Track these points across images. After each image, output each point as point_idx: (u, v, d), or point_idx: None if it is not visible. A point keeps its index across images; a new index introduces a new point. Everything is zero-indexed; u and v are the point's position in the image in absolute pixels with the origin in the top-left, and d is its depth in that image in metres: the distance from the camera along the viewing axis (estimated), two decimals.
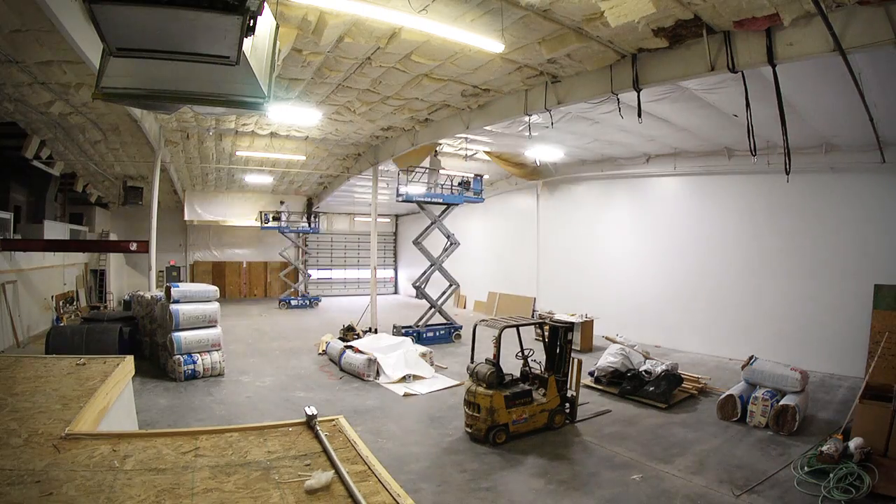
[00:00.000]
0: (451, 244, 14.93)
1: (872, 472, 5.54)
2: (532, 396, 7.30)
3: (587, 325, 13.46)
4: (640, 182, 14.80)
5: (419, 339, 13.36)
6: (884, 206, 10.08)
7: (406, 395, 9.28)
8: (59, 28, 4.91)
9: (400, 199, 14.26)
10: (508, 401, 7.00)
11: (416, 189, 14.50)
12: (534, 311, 17.73)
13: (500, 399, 6.92)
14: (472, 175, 15.30)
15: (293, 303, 23.05)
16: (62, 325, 13.87)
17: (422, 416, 8.18)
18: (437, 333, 14.32)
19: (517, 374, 7.70)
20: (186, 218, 21.77)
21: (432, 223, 14.80)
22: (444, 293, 15.01)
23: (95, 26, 2.35)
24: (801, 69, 6.66)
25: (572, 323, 8.27)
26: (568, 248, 17.25)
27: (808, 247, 11.13)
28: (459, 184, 15.00)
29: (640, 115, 7.38)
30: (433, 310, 14.60)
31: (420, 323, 14.33)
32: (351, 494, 2.16)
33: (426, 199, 14.44)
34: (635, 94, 7.15)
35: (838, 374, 10.12)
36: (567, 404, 7.66)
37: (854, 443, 5.95)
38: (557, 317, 13.25)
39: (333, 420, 3.04)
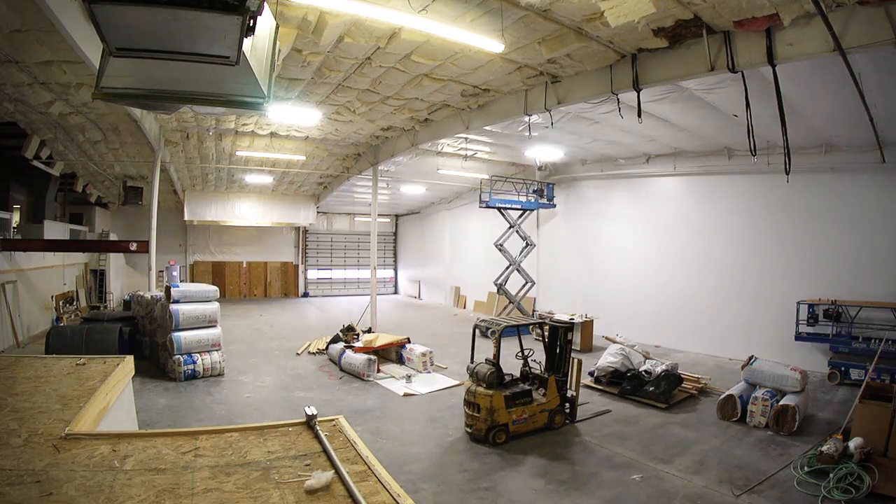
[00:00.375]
0: (528, 245, 16.85)
1: (872, 472, 5.54)
2: (532, 396, 7.30)
3: (587, 325, 13.47)
4: (641, 182, 14.80)
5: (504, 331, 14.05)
6: (884, 207, 10.09)
7: (406, 395, 9.28)
8: (59, 28, 4.91)
9: (483, 205, 15.68)
10: (508, 401, 7.00)
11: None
12: (534, 310, 17.73)
13: (499, 399, 6.92)
14: (546, 182, 16.86)
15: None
16: (62, 325, 13.86)
17: (422, 417, 8.18)
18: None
19: (517, 374, 7.71)
20: (186, 218, 21.76)
21: (511, 227, 16.58)
22: (522, 289, 16.87)
23: (95, 26, 2.35)
24: (801, 69, 6.67)
25: (572, 323, 8.27)
26: (568, 249, 17.25)
27: (808, 246, 11.14)
28: (534, 191, 16.54)
29: (640, 115, 7.38)
30: (512, 305, 16.39)
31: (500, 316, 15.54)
32: (351, 494, 2.16)
33: (506, 206, 16.10)
34: (635, 94, 7.16)
35: None
36: (567, 404, 7.66)
37: (854, 443, 5.95)
38: (557, 317, 13.25)
39: (333, 420, 3.04)
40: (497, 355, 7.36)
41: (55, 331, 11.01)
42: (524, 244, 16.77)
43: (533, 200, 16.54)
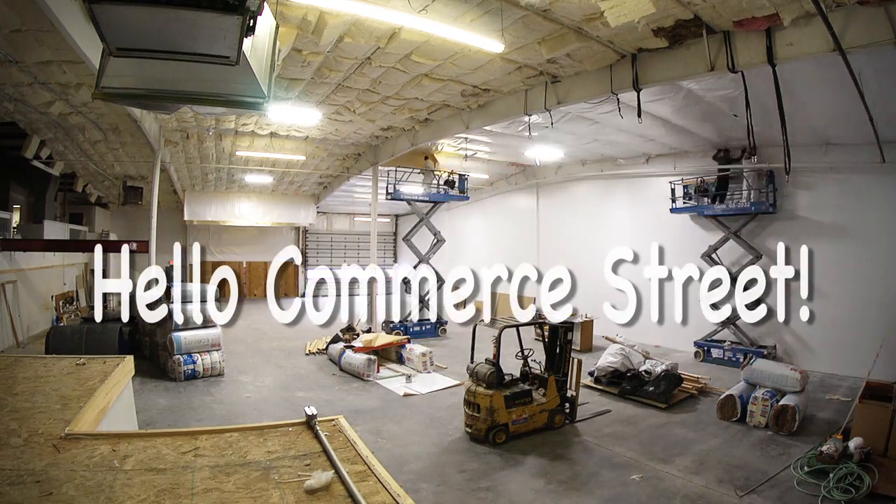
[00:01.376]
0: (438, 241, 16.11)
1: (872, 472, 5.54)
2: (531, 396, 7.30)
3: (587, 325, 13.45)
4: (641, 182, 14.78)
5: (406, 332, 14.03)
6: (884, 206, 10.07)
7: (406, 395, 9.29)
8: (59, 28, 4.91)
9: (389, 197, 15.38)
10: (508, 401, 7.00)
11: (408, 188, 15.69)
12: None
13: (499, 399, 6.92)
14: (458, 174, 16.06)
15: None
16: (62, 325, 13.87)
17: (421, 416, 8.18)
18: (424, 328, 15.04)
19: (517, 374, 7.70)
20: (186, 218, 21.72)
21: (420, 221, 16.10)
22: (431, 289, 15.77)
23: (95, 26, 2.35)
24: (801, 69, 6.68)
25: (572, 323, 8.26)
26: (568, 248, 17.20)
27: (806, 245, 11.09)
28: (445, 182, 15.92)
29: (639, 115, 7.39)
30: (420, 305, 15.47)
31: (407, 318, 15.11)
32: (351, 494, 2.16)
33: (414, 198, 15.69)
34: (635, 93, 7.16)
35: (839, 374, 10.12)
36: (567, 404, 7.66)
37: (854, 443, 5.95)
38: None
39: (333, 420, 3.04)
40: (497, 355, 7.36)
41: (55, 331, 11.01)
42: (434, 239, 16.08)
43: (444, 193, 15.88)
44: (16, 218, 14.42)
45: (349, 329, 13.32)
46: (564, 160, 15.68)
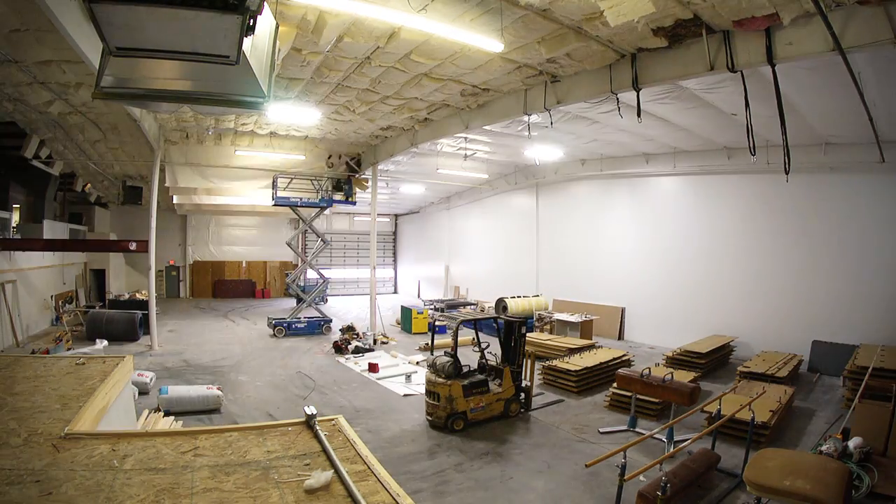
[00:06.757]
0: (324, 243, 17.19)
1: (872, 471, 5.54)
2: (488, 386, 7.60)
3: (587, 325, 13.45)
4: (640, 181, 14.79)
5: (289, 329, 14.88)
6: (883, 205, 10.08)
7: (406, 395, 9.28)
8: (58, 28, 4.91)
9: (274, 203, 15.41)
10: (466, 390, 7.33)
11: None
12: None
13: (458, 388, 7.25)
14: (346, 177, 16.30)
15: None
16: (97, 310, 14.75)
17: (421, 415, 8.18)
18: (309, 324, 15.37)
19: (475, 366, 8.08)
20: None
21: (304, 224, 16.61)
22: (316, 288, 17.65)
23: (95, 26, 2.36)
24: (800, 68, 6.68)
25: (525, 318, 8.67)
26: (567, 248, 17.23)
27: (807, 246, 11.13)
28: (333, 187, 16.17)
29: (639, 115, 7.39)
30: (304, 303, 16.29)
31: (292, 316, 15.62)
32: (350, 494, 2.16)
33: (295, 204, 15.63)
34: (635, 93, 7.17)
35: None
36: (522, 394, 7.98)
37: (853, 442, 5.94)
38: (558, 316, 13.35)
39: (333, 420, 3.04)
40: (455, 348, 7.60)
41: (91, 317, 13.33)
42: (318, 241, 16.94)
43: (327, 198, 15.97)
44: (16, 217, 14.40)
45: (349, 329, 13.39)
46: (564, 160, 15.68)
